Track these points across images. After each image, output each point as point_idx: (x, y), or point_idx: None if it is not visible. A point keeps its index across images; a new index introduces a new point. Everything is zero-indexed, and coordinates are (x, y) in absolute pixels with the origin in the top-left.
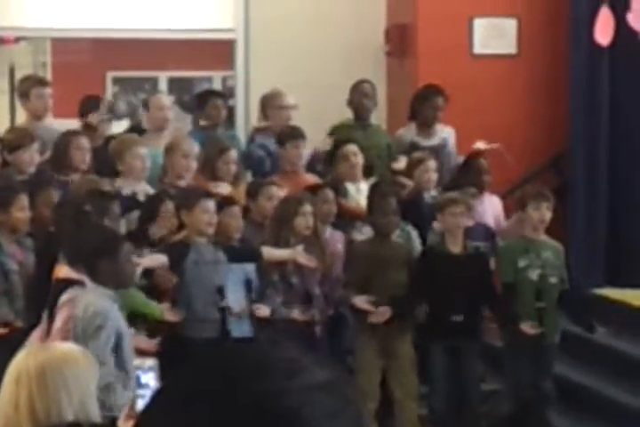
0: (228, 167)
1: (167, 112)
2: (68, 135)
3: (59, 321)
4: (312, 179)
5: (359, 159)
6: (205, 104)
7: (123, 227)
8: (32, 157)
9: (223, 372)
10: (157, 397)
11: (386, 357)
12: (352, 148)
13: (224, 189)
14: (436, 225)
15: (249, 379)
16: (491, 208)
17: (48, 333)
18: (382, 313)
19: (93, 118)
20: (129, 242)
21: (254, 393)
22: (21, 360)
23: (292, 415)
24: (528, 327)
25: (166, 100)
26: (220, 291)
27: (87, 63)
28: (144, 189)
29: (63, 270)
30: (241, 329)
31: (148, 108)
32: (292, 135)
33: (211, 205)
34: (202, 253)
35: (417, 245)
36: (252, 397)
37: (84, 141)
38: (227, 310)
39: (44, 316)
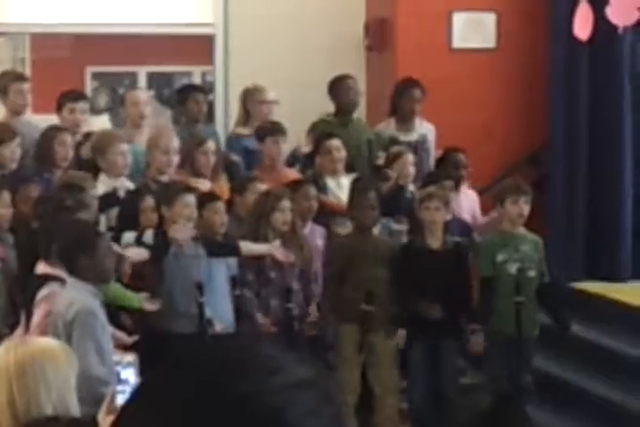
0: (207, 158)
1: (143, 108)
2: (52, 131)
3: (36, 317)
4: (292, 174)
5: (342, 154)
6: (186, 99)
7: (102, 221)
8: (13, 153)
9: (204, 370)
10: (137, 394)
11: (366, 352)
12: (335, 142)
13: (204, 185)
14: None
15: (230, 378)
16: (467, 203)
17: (27, 329)
18: (400, 337)
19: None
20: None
21: (236, 393)
22: (0, 356)
23: (274, 415)
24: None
25: (143, 95)
26: (199, 286)
27: (66, 58)
28: (124, 186)
29: (40, 266)
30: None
31: (124, 104)
32: (271, 130)
33: (191, 199)
34: (182, 246)
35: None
36: (233, 397)
37: (68, 137)
38: (205, 307)
39: (22, 312)
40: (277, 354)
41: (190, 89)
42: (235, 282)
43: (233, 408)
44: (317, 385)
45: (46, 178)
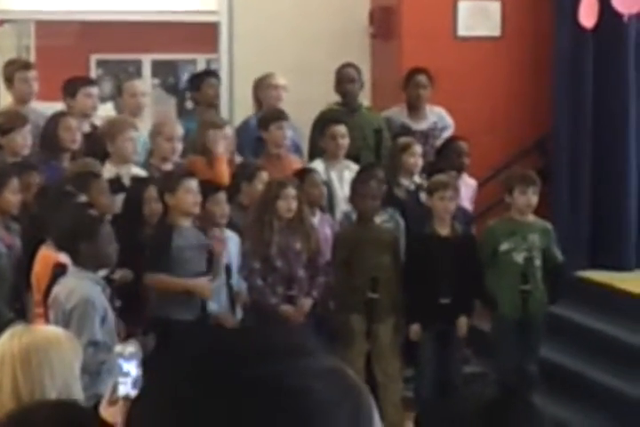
0: (227, 142)
1: (141, 99)
2: (56, 117)
3: (52, 315)
4: (297, 161)
5: (345, 141)
6: (201, 84)
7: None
8: (25, 140)
9: (228, 352)
10: (159, 374)
11: (369, 340)
12: (341, 128)
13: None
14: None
15: (254, 359)
16: (466, 191)
17: (46, 316)
18: (415, 331)
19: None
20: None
21: (259, 372)
22: (5, 342)
23: (295, 396)
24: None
25: (140, 86)
26: (202, 275)
27: (71, 46)
28: (129, 173)
29: (61, 256)
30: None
31: (122, 94)
32: (274, 117)
33: (194, 184)
34: (185, 236)
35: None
36: (256, 376)
37: (73, 122)
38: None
39: (31, 298)
40: (304, 342)
41: (204, 74)
42: (228, 271)
43: (255, 387)
44: (341, 376)
45: (53, 165)
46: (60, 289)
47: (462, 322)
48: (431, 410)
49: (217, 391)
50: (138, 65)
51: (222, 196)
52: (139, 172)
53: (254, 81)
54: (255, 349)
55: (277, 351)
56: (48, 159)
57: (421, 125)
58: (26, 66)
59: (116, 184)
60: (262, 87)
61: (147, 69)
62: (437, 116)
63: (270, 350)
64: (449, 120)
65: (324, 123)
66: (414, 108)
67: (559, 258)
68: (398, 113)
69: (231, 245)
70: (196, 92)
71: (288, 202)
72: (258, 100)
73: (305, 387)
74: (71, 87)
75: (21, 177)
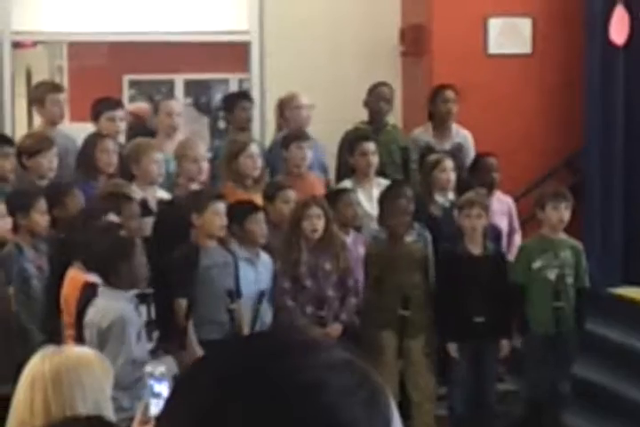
0: (254, 161)
1: (176, 119)
2: (93, 138)
3: (87, 335)
4: (318, 180)
5: (376, 159)
6: (234, 106)
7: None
8: (51, 162)
9: (244, 350)
10: (183, 376)
11: (403, 358)
12: (371, 146)
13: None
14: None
15: (269, 355)
16: (501, 208)
17: (79, 338)
18: (454, 350)
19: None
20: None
21: (274, 369)
22: (36, 363)
23: (308, 390)
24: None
25: (176, 106)
26: (230, 293)
27: (103, 67)
28: (155, 196)
29: (90, 276)
30: None
31: (158, 113)
32: (295, 137)
33: (222, 207)
34: (212, 256)
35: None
36: (266, 375)
37: (111, 144)
38: (235, 313)
39: (65, 319)
40: (318, 338)
41: (237, 96)
42: (261, 297)
43: (270, 384)
44: (354, 368)
45: (91, 186)
46: (93, 309)
47: (504, 345)
48: None
49: (232, 393)
50: (170, 85)
51: (261, 216)
52: (163, 195)
53: (278, 100)
54: (269, 348)
55: (291, 349)
56: (86, 180)
57: (445, 145)
58: (57, 88)
59: (142, 207)
60: (290, 108)
61: (179, 89)
62: (462, 139)
63: (284, 348)
64: (471, 146)
65: (352, 141)
66: (441, 125)
67: (586, 283)
68: (423, 132)
69: (264, 269)
70: (229, 113)
71: (312, 222)
72: (283, 119)
73: (318, 380)
74: (95, 111)
75: (61, 199)
